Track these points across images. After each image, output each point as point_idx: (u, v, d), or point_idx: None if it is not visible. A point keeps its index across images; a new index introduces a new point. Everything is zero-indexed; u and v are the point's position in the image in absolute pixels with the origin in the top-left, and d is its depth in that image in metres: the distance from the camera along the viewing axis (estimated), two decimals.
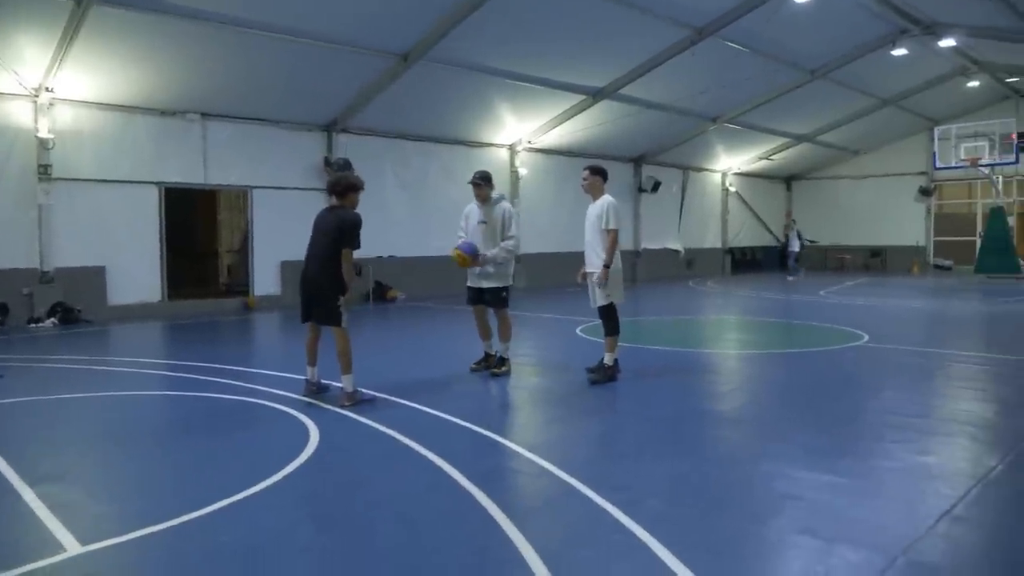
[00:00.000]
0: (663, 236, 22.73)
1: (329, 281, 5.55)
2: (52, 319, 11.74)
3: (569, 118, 17.00)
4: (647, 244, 22.18)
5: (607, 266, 6.27)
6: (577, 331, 10.03)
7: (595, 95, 16.29)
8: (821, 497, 3.92)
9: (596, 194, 6.49)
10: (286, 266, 14.00)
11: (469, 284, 6.78)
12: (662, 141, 20.56)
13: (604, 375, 6.52)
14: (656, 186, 21.66)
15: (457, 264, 6.50)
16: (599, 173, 6.51)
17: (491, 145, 17.77)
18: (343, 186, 5.73)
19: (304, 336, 6.15)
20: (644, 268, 21.70)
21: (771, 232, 27.45)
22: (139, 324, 11.68)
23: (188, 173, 13.29)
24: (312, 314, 5.83)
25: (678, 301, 15.47)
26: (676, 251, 22.75)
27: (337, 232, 5.51)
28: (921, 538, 3.41)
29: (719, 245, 25.30)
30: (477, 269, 6.67)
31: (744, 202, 26.11)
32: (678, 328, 11.07)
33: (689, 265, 23.49)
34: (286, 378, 6.74)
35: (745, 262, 25.60)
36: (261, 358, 8.60)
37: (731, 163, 24.58)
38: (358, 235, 5.58)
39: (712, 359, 8.07)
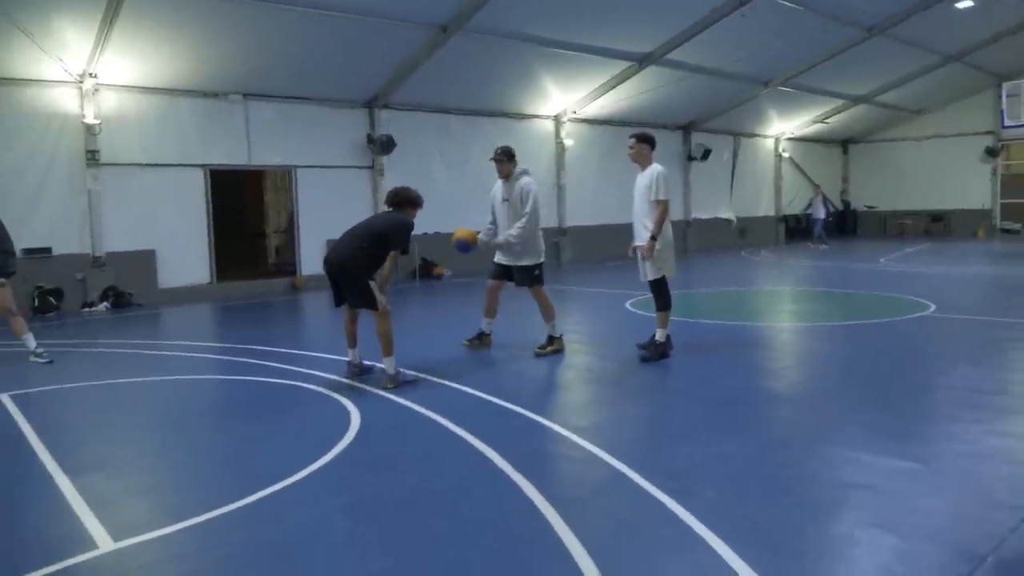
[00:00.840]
0: (714, 205, 22.34)
1: (356, 264, 5.43)
2: (105, 303, 11.90)
3: (615, 86, 16.75)
4: (698, 214, 21.79)
5: (654, 238, 6.07)
6: (627, 305, 9.87)
7: (641, 61, 16.02)
8: (890, 485, 3.67)
9: (644, 163, 6.28)
10: (329, 245, 13.86)
11: (496, 260, 6.66)
12: (712, 107, 20.13)
13: (655, 352, 6.33)
14: (706, 154, 21.17)
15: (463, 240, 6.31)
16: (646, 141, 6.25)
17: (536, 117, 17.63)
18: (401, 198, 5.63)
19: (340, 324, 6.11)
20: (695, 238, 21.37)
21: (826, 199, 26.85)
22: (189, 307, 11.77)
23: (232, 154, 13.32)
24: (347, 298, 5.73)
25: (731, 272, 15.21)
26: (728, 220, 22.27)
27: (387, 228, 5.40)
28: (1010, 535, 3.13)
29: (772, 213, 24.94)
30: (505, 250, 6.61)
31: (798, 168, 25.65)
32: (731, 300, 10.82)
33: (742, 234, 23.06)
34: (330, 359, 6.69)
35: (800, 230, 25.08)
36: (307, 339, 8.59)
37: (784, 127, 24.12)
38: (408, 238, 5.46)
39: (767, 333, 7.83)
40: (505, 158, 6.50)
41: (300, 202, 14.23)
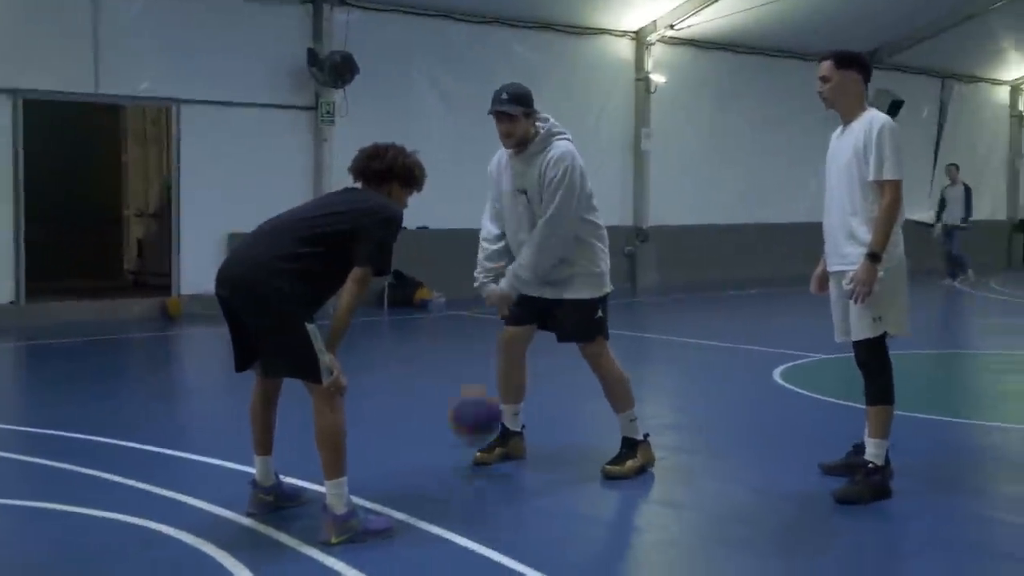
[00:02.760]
0: (905, 197, 21.83)
1: (280, 288, 5.04)
2: None
3: None
4: (911, 214, 21.08)
5: (875, 257, 5.57)
6: (775, 376, 9.69)
7: None
8: None
9: (850, 108, 5.85)
10: (236, 241, 13.57)
11: (522, 291, 6.46)
12: (906, 25, 20.05)
13: (868, 488, 5.79)
14: (895, 107, 20.26)
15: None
16: (854, 65, 5.84)
17: (602, 32, 17.73)
18: (385, 166, 5.37)
19: (246, 403, 5.55)
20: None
21: None
22: None
23: (67, 75, 13.31)
24: (260, 356, 5.26)
25: (940, 315, 15.56)
26: (927, 225, 21.57)
27: (351, 222, 5.10)
28: None
29: (1003, 215, 24.88)
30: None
31: None
32: (959, 372, 10.84)
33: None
34: (222, 470, 6.48)
35: None
36: (179, 426, 8.34)
37: None
38: (391, 244, 5.15)
39: None
40: (517, 109, 6.09)
41: (184, 165, 14.20)
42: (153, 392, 9.55)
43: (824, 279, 6.01)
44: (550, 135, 6.10)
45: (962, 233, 19.17)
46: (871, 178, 5.60)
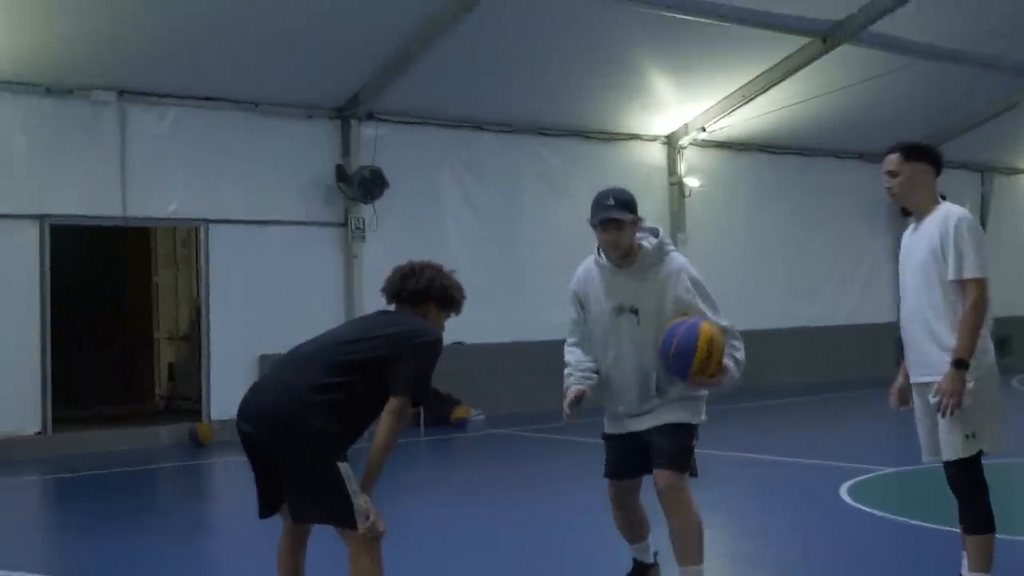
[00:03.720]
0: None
1: (311, 422, 4.78)
2: None
3: (774, 83, 16.85)
4: None
5: (962, 364, 5.18)
6: (841, 493, 9.26)
7: (826, 36, 16.05)
8: None
9: (922, 202, 5.57)
10: (267, 364, 13.57)
11: (612, 431, 5.93)
12: (945, 120, 19.99)
13: None
14: None
15: None
16: (924, 157, 5.53)
17: (632, 137, 17.95)
18: (422, 287, 5.19)
19: (274, 542, 5.20)
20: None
21: None
22: None
23: (95, 199, 13.37)
24: (287, 499, 4.92)
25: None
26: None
27: (388, 348, 4.89)
28: None
29: None
30: (628, 396, 5.78)
31: None
32: None
33: (1001, 346, 21.95)
34: None
35: None
36: (209, 567, 8.03)
37: None
38: (430, 372, 4.92)
39: None
40: (627, 216, 5.69)
41: (214, 285, 14.19)
42: (182, 530, 9.24)
43: (906, 392, 5.63)
44: (664, 246, 5.74)
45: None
46: (951, 278, 5.25)
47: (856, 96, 17.29)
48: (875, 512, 8.51)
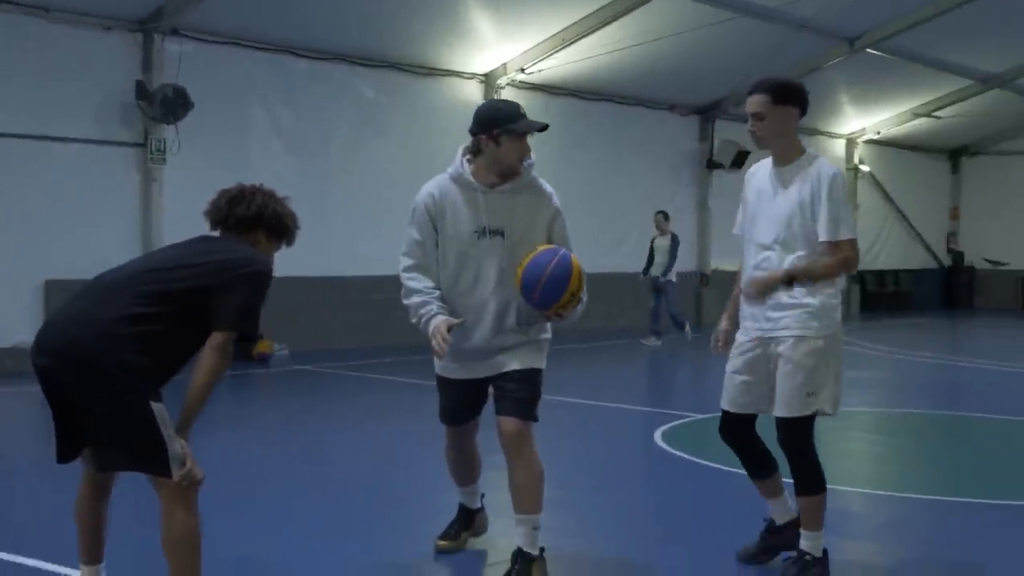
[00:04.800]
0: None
1: (119, 358, 4.43)
2: None
3: (596, 28, 16.94)
4: (720, 262, 21.61)
5: (789, 281, 5.22)
6: (655, 437, 9.45)
7: None
8: None
9: (786, 149, 5.35)
10: (54, 291, 13.38)
11: (449, 375, 5.65)
12: (752, 78, 19.83)
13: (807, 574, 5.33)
14: (740, 158, 20.97)
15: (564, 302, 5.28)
16: (791, 98, 5.34)
17: (449, 73, 17.89)
18: (250, 211, 4.82)
19: (66, 484, 4.88)
20: (712, 302, 21.25)
21: (926, 245, 27.98)
22: None
23: None
24: (90, 444, 4.54)
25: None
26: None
27: (211, 277, 4.54)
28: None
29: None
30: (481, 330, 5.48)
31: (883, 192, 26.44)
32: (875, 436, 10.64)
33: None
34: (36, 574, 5.62)
35: (884, 296, 26.17)
36: None
37: (864, 123, 24.89)
38: (258, 305, 4.60)
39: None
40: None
41: None
42: None
43: (730, 335, 5.54)
44: (531, 171, 5.47)
45: (672, 286, 17.85)
46: (825, 238, 5.12)
47: (671, 48, 17.51)
48: (688, 457, 8.60)
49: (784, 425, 5.22)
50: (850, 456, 9.41)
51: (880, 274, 26.20)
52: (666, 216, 18.04)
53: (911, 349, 18.07)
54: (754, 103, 5.29)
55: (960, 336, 22.95)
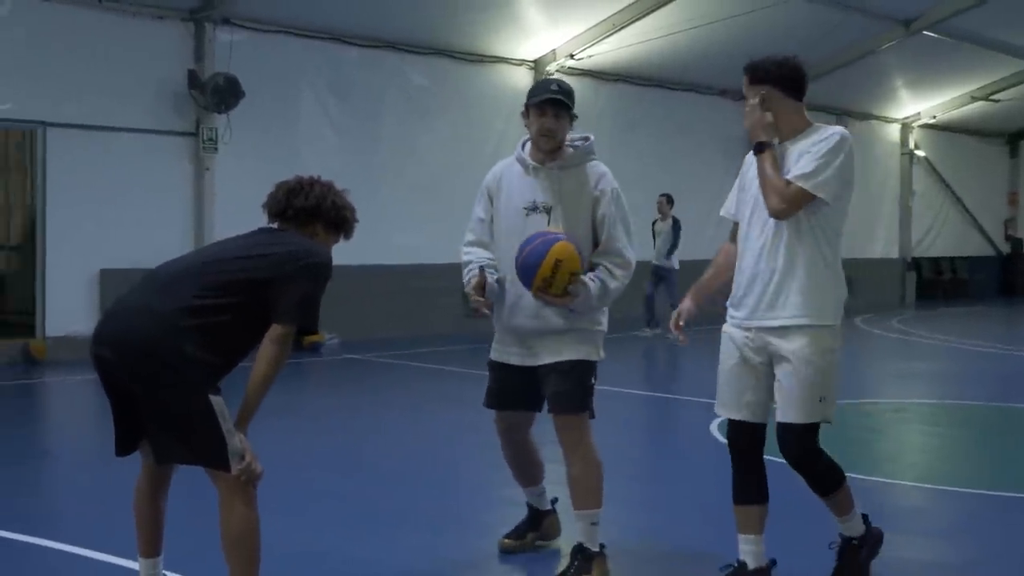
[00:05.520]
0: None
1: (179, 350, 4.42)
2: None
3: (645, 13, 16.99)
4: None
5: (761, 148, 4.92)
6: (711, 429, 9.19)
7: None
8: None
9: (782, 128, 5.02)
10: (109, 280, 13.32)
11: (498, 358, 5.64)
12: (807, 60, 19.89)
13: (858, 568, 5.21)
14: None
15: (547, 284, 5.17)
16: (764, 76, 5.02)
17: (499, 60, 17.98)
18: (309, 203, 4.81)
19: (123, 471, 4.91)
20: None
21: (984, 231, 27.73)
22: None
23: None
24: (149, 436, 4.54)
25: (849, 359, 15.35)
26: None
27: (271, 270, 4.53)
28: None
29: (895, 254, 25.74)
30: (524, 308, 5.44)
31: (940, 178, 26.24)
32: (884, 425, 10.43)
33: (848, 289, 23.27)
34: (96, 566, 5.63)
35: (941, 284, 26.05)
36: (43, 503, 7.49)
37: (920, 107, 24.81)
38: (318, 298, 4.58)
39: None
40: (568, 101, 5.42)
41: (50, 194, 13.75)
42: (10, 458, 8.62)
43: (679, 321, 5.24)
44: (591, 151, 5.43)
45: (672, 273, 16.81)
46: (787, 177, 4.77)
47: (723, 32, 17.40)
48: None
49: (791, 431, 4.92)
50: (911, 449, 9.30)
51: (936, 261, 26.18)
52: (669, 199, 17.20)
53: (968, 338, 17.87)
54: (748, 86, 5.09)
55: (1018, 324, 22.69)
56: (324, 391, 12.11)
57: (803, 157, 4.81)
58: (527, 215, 5.30)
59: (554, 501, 5.88)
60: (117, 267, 13.17)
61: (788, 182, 4.76)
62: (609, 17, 16.91)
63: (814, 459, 4.94)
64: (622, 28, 17.07)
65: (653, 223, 17.06)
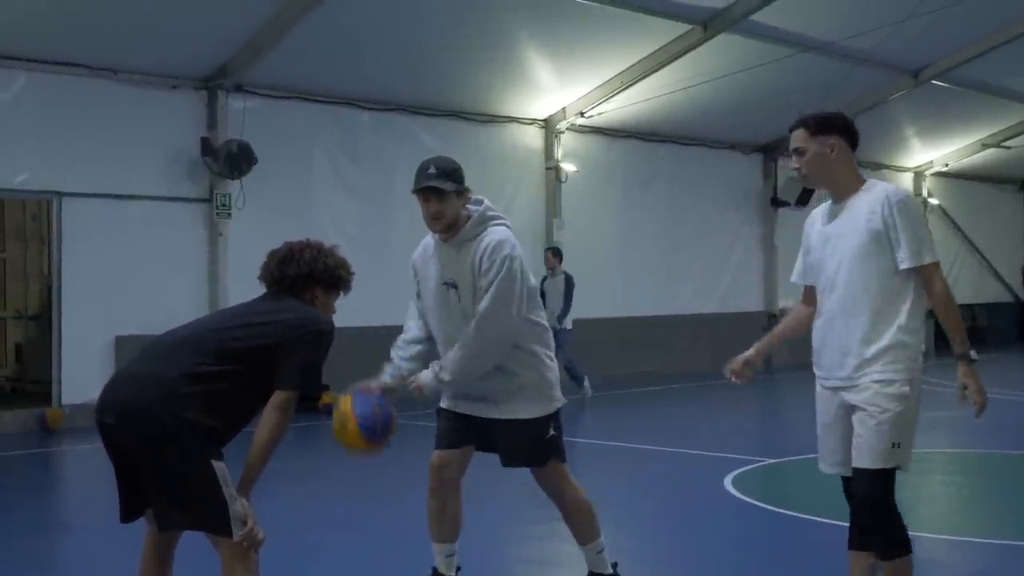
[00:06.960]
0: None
1: (182, 417, 4.41)
2: None
3: (653, 70, 16.98)
4: (788, 301, 21.28)
5: (968, 359, 5.07)
6: (726, 483, 9.21)
7: (706, 24, 16.16)
8: None
9: (839, 183, 5.03)
10: (124, 347, 13.33)
11: (447, 406, 5.75)
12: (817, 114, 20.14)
13: None
14: (805, 196, 20.77)
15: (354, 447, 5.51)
16: (828, 127, 5.01)
17: (510, 120, 17.97)
18: (301, 270, 4.87)
19: (134, 538, 4.82)
20: (784, 346, 20.89)
21: (1000, 277, 27.57)
22: None
23: None
24: (152, 503, 4.51)
25: None
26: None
27: (275, 336, 4.58)
28: None
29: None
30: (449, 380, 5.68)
31: (954, 224, 26.33)
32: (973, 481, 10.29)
33: None
34: None
35: (969, 330, 26.10)
36: (58, 571, 7.56)
37: (932, 155, 24.92)
38: (320, 364, 4.60)
39: None
40: (449, 186, 5.39)
41: (66, 263, 13.79)
42: (26, 529, 8.64)
43: (752, 365, 5.27)
44: (485, 219, 5.38)
45: (564, 335, 14.86)
46: (907, 265, 4.77)
47: (731, 86, 17.48)
48: (760, 504, 8.46)
49: (865, 476, 4.87)
50: (932, 500, 9.17)
51: (972, 308, 26.09)
52: (555, 252, 16.05)
53: (987, 385, 17.46)
54: (794, 138, 5.07)
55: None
56: (338, 453, 11.97)
57: (893, 231, 4.80)
58: (446, 290, 5.43)
59: (458, 570, 5.77)
60: (132, 333, 13.17)
61: (922, 268, 4.78)
62: (618, 75, 16.98)
63: (881, 507, 4.85)
64: (630, 85, 17.08)
65: (542, 280, 15.30)
